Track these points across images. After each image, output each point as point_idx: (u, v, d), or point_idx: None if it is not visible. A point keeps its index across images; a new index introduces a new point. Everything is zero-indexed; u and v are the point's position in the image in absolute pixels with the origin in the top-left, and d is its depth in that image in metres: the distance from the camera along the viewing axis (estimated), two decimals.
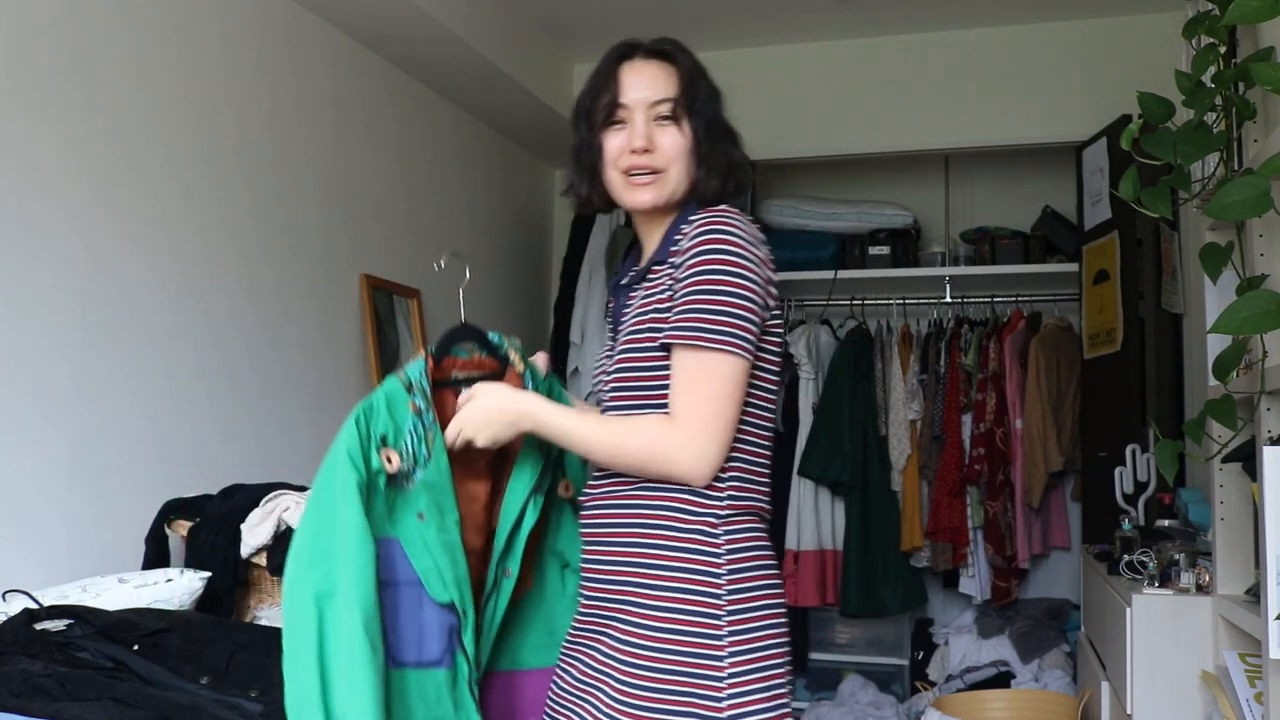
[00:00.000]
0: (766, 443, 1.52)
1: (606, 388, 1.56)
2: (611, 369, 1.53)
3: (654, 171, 1.52)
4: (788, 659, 1.50)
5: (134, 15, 2.71)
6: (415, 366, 1.63)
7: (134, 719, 1.68)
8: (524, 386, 1.67)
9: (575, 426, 1.47)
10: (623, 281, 1.65)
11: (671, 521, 1.46)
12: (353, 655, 1.42)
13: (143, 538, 2.48)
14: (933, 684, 4.02)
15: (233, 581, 2.37)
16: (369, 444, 1.53)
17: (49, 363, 2.46)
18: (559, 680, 1.60)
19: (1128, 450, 3.14)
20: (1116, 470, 3.12)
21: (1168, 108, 1.93)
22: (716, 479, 1.44)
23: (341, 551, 1.46)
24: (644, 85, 1.57)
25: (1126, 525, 2.80)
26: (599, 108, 1.61)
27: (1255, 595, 1.93)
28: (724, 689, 1.40)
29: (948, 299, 4.51)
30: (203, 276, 2.95)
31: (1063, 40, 4.10)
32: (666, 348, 1.42)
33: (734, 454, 1.46)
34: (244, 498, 2.50)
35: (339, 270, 3.57)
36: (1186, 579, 2.23)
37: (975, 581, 4.20)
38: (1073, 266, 4.09)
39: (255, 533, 2.39)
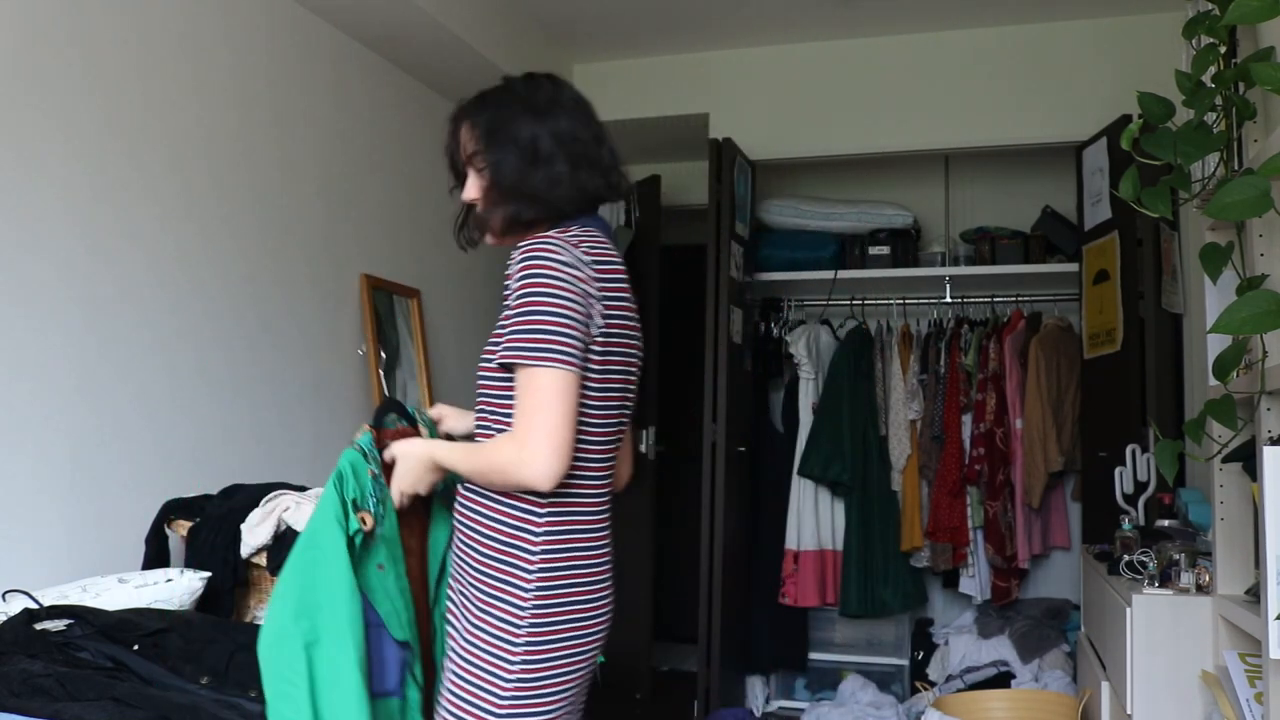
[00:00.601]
0: (594, 447, 1.65)
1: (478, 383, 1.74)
2: (476, 392, 1.73)
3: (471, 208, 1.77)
4: (583, 667, 1.66)
5: (136, 15, 2.71)
6: (365, 438, 1.88)
7: (134, 719, 1.68)
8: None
9: (458, 457, 1.68)
10: None
11: (492, 529, 1.64)
12: (350, 692, 1.63)
13: (143, 538, 2.48)
14: (933, 684, 4.02)
15: (233, 581, 2.37)
16: (347, 507, 1.75)
17: (49, 362, 2.46)
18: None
19: (1128, 450, 3.14)
20: (1116, 470, 3.12)
21: (1168, 108, 1.93)
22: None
23: (331, 603, 1.66)
24: (458, 146, 1.80)
25: (1126, 525, 2.80)
26: (452, 166, 1.85)
27: (1255, 595, 1.93)
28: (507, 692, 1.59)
29: (948, 299, 4.51)
30: (203, 276, 2.95)
31: (1063, 40, 4.11)
32: (506, 368, 1.60)
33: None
34: (244, 498, 2.50)
35: (339, 270, 3.57)
36: (1186, 579, 2.23)
37: (975, 581, 4.20)
38: (1073, 266, 4.09)
39: (255, 533, 2.39)
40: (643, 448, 4.51)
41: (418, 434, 1.94)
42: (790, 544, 4.31)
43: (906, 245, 4.44)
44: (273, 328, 3.23)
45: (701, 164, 4.40)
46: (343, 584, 1.67)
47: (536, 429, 1.52)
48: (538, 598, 1.59)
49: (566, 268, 1.56)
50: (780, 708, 4.39)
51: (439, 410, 1.95)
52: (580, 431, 1.60)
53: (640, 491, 4.57)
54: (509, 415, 1.60)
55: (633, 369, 1.72)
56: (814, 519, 4.32)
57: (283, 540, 2.40)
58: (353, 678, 1.64)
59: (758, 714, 4.30)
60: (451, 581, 1.75)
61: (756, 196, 4.47)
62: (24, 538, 2.38)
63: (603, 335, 1.61)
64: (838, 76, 4.36)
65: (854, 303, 4.58)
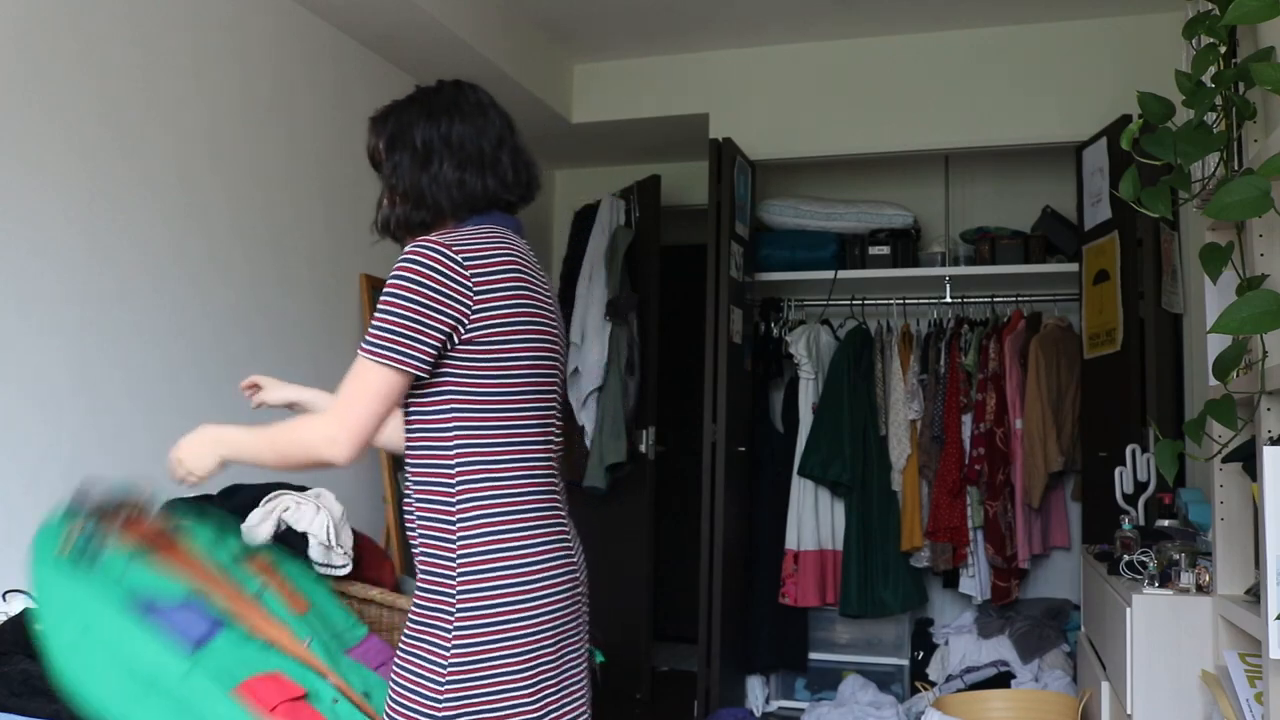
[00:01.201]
0: (508, 439, 1.64)
1: None
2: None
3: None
4: (525, 668, 1.57)
5: (138, 16, 2.71)
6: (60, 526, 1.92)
7: None
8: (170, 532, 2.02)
9: (250, 438, 1.68)
10: None
11: (427, 528, 1.63)
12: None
13: None
14: (933, 684, 4.02)
15: None
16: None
17: (49, 363, 2.46)
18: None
19: (1128, 450, 3.14)
20: (1116, 470, 3.12)
21: (1168, 108, 1.93)
22: (446, 477, 1.60)
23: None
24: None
25: (1126, 525, 2.80)
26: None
27: (1255, 595, 1.93)
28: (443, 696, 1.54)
29: (948, 299, 4.51)
30: (203, 276, 2.95)
31: (1063, 40, 4.10)
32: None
33: (464, 454, 1.60)
34: (244, 498, 2.50)
35: (339, 270, 3.57)
36: (1186, 579, 2.23)
37: (975, 581, 4.20)
38: (1073, 266, 4.09)
39: (255, 533, 2.39)
40: (642, 447, 4.51)
41: (144, 516, 1.99)
42: (790, 544, 4.31)
43: (906, 245, 4.44)
44: (273, 327, 3.23)
45: (701, 164, 4.40)
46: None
47: (345, 409, 1.60)
48: (461, 600, 1.56)
49: (428, 270, 1.58)
50: (780, 708, 4.39)
51: (258, 379, 1.99)
52: (496, 419, 1.62)
53: (640, 491, 4.58)
54: (437, 430, 1.63)
55: (546, 354, 1.70)
56: (814, 519, 4.32)
57: (283, 540, 2.40)
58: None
59: (758, 714, 4.30)
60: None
61: (756, 196, 4.47)
62: (24, 538, 2.38)
63: (494, 326, 1.61)
64: (838, 76, 4.36)
65: (854, 303, 4.58)
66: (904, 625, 4.39)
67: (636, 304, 4.51)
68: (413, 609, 1.61)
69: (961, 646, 4.07)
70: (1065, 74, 4.07)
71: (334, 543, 2.42)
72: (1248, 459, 1.94)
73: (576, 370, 4.47)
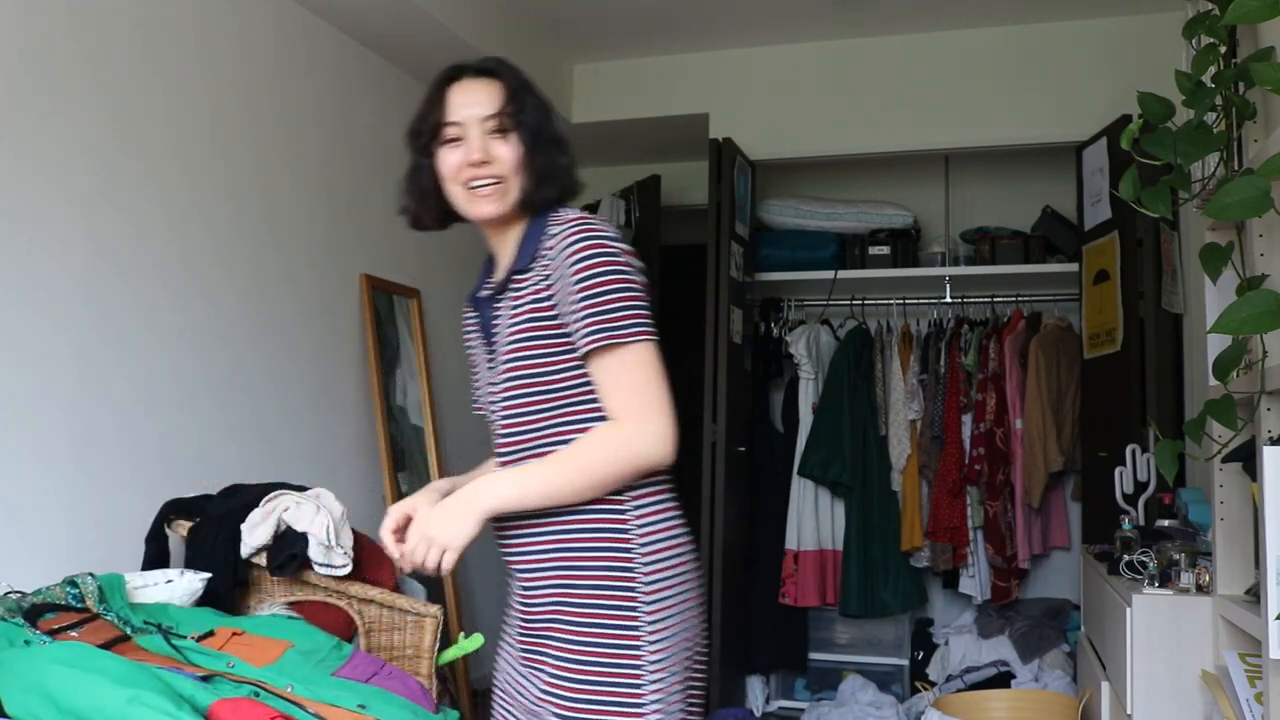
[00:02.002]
0: None
1: (498, 398, 1.58)
2: (500, 379, 1.56)
3: (496, 181, 1.58)
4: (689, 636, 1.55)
5: (139, 16, 2.71)
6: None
7: None
8: (113, 625, 1.94)
9: (531, 479, 1.50)
10: (482, 295, 1.70)
11: (583, 524, 1.51)
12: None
13: (143, 538, 2.48)
14: (933, 684, 4.02)
15: (232, 582, 2.37)
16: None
17: (52, 364, 2.46)
18: (509, 706, 1.62)
19: (1128, 450, 3.14)
20: (1116, 470, 3.12)
21: (1168, 108, 1.93)
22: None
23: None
24: (474, 102, 1.62)
25: (1126, 525, 2.80)
26: (426, 128, 1.68)
27: (1255, 595, 1.93)
28: (646, 689, 1.47)
29: (948, 299, 4.51)
30: (204, 276, 2.95)
31: (1063, 40, 4.10)
32: (584, 357, 1.49)
33: None
34: (244, 498, 2.50)
35: (339, 270, 3.57)
36: (1186, 579, 2.23)
37: (975, 581, 4.20)
38: (1073, 266, 4.09)
39: (255, 533, 2.39)
40: None
41: (94, 616, 1.93)
42: (790, 544, 4.31)
43: (906, 245, 4.44)
44: (273, 327, 3.23)
45: (701, 164, 4.40)
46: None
47: (647, 401, 1.46)
48: (651, 590, 1.49)
49: (621, 244, 1.51)
50: (780, 708, 4.39)
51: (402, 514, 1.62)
52: None
53: None
54: (565, 400, 1.51)
55: None
56: (814, 519, 4.32)
57: (283, 540, 2.40)
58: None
59: (758, 714, 4.30)
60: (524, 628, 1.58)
61: (756, 196, 4.47)
62: (24, 538, 2.38)
63: None
64: (838, 76, 4.36)
65: (854, 303, 4.58)
66: (904, 625, 4.39)
67: None
68: (568, 609, 1.49)
69: (961, 646, 4.07)
70: (1065, 74, 4.07)
71: (334, 543, 2.42)
72: (1248, 459, 1.94)
73: None
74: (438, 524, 1.48)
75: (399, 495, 3.69)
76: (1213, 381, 1.84)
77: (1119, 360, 3.62)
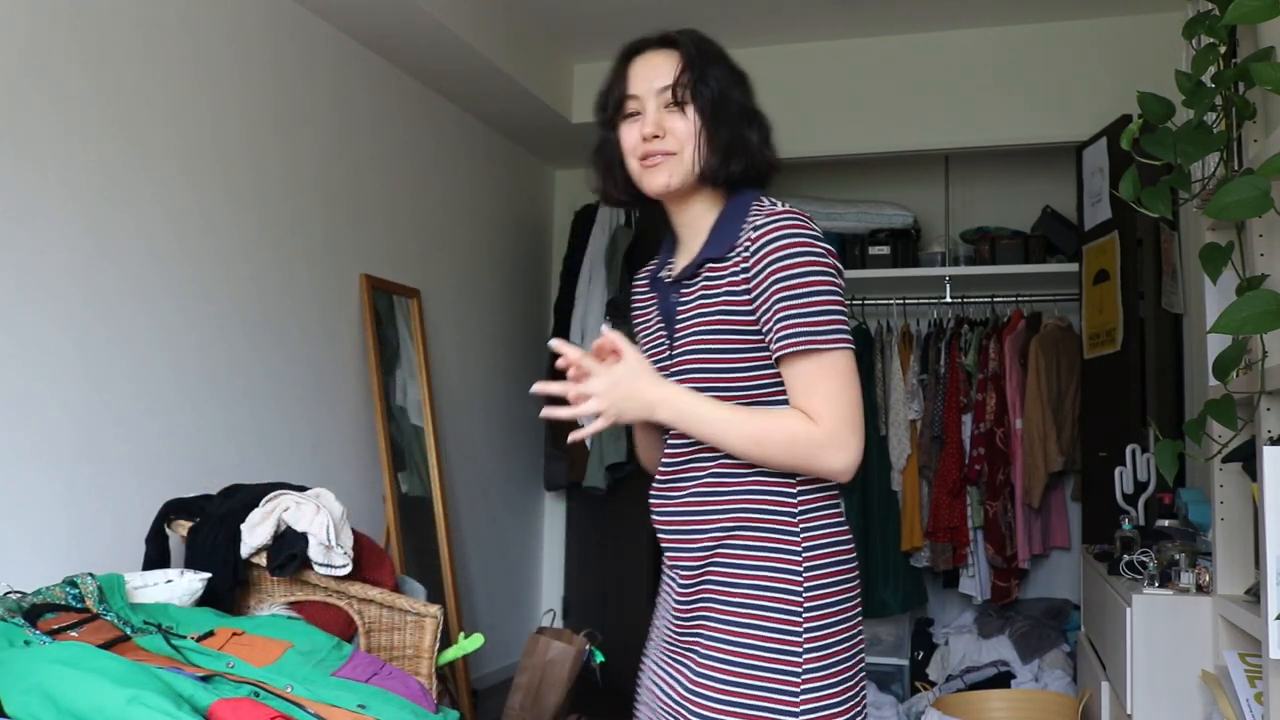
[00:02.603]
0: None
1: None
2: (677, 369, 1.51)
3: (667, 154, 1.54)
4: (859, 649, 1.52)
5: (141, 15, 2.71)
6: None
7: None
8: (113, 625, 1.93)
9: (715, 414, 1.45)
10: (664, 277, 1.64)
11: (750, 520, 1.48)
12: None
13: (143, 538, 2.48)
14: (933, 684, 4.02)
15: (233, 582, 2.37)
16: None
17: (53, 364, 2.46)
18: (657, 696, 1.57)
19: (1128, 450, 3.14)
20: (1116, 470, 3.12)
21: (1168, 107, 1.93)
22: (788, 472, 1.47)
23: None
24: (650, 75, 1.60)
25: (1126, 525, 2.80)
26: (610, 102, 1.64)
27: (1255, 595, 1.93)
28: (799, 695, 1.42)
29: (948, 299, 4.51)
30: (204, 276, 2.95)
31: (1063, 40, 4.10)
32: (780, 360, 1.45)
33: None
34: (244, 498, 2.50)
35: (339, 270, 3.57)
36: (1186, 579, 2.23)
37: (975, 581, 4.20)
38: (1073, 266, 4.09)
39: (255, 533, 2.39)
40: None
41: (94, 619, 1.94)
42: None
43: (906, 245, 4.44)
44: (273, 327, 3.23)
45: None
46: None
47: (842, 414, 1.42)
48: (811, 597, 1.45)
49: (827, 245, 1.46)
50: None
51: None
52: None
53: (640, 491, 4.56)
54: (748, 399, 1.47)
55: None
56: None
57: (283, 540, 2.40)
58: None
59: None
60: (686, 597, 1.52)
61: None
62: (24, 538, 2.38)
63: None
64: (838, 76, 4.36)
65: (854, 303, 4.58)
66: (904, 625, 4.39)
67: None
68: (731, 609, 1.44)
69: (961, 646, 4.07)
70: (1065, 74, 4.07)
71: (334, 543, 2.42)
72: (1248, 459, 1.94)
73: None
74: (620, 394, 1.44)
75: (399, 495, 3.69)
76: (1213, 381, 1.84)
77: (1119, 360, 3.62)
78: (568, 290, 4.65)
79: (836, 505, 1.53)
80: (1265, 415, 1.77)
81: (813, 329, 1.41)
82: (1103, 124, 3.79)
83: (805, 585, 1.44)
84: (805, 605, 1.44)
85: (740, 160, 1.55)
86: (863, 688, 1.52)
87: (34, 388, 2.41)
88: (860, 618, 1.55)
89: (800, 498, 1.48)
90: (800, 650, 1.42)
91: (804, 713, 1.41)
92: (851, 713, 1.47)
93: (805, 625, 1.43)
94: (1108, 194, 3.67)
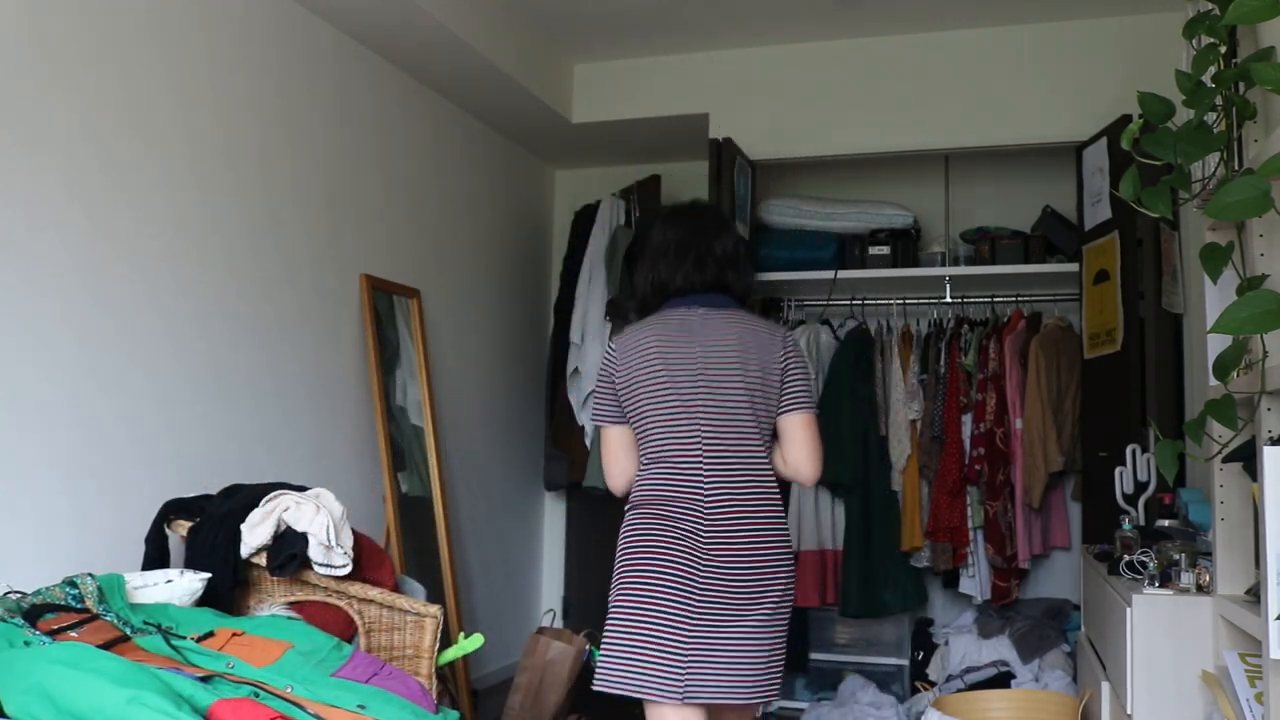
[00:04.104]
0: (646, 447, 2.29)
1: None
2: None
3: None
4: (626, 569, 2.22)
5: (140, 15, 2.71)
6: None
7: None
8: (112, 626, 1.95)
9: None
10: None
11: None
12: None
13: (142, 537, 2.48)
14: (933, 684, 4.02)
15: (232, 582, 2.37)
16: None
17: (52, 364, 2.46)
18: None
19: (1128, 450, 3.14)
20: (1117, 470, 3.12)
21: (1168, 107, 1.93)
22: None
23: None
24: None
25: (1127, 525, 2.79)
26: None
27: (1255, 595, 1.93)
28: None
29: (948, 299, 4.51)
30: (203, 277, 2.95)
31: (1063, 40, 4.10)
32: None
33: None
34: (244, 498, 2.50)
35: (339, 270, 3.57)
36: (1187, 579, 2.23)
37: (975, 581, 4.20)
38: (1073, 266, 4.09)
39: (255, 533, 2.39)
40: None
41: (94, 617, 1.95)
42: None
43: (906, 245, 4.43)
44: (273, 327, 3.23)
45: (701, 164, 4.40)
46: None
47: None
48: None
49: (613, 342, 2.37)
50: (780, 708, 4.39)
51: None
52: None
53: None
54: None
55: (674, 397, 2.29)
56: (814, 519, 4.32)
57: (283, 540, 2.40)
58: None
59: (758, 714, 4.30)
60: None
61: (756, 196, 4.47)
62: (24, 538, 2.38)
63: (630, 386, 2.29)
64: (838, 76, 4.36)
65: (854, 303, 4.58)
66: (904, 625, 4.39)
67: None
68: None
69: (961, 646, 4.07)
70: (1065, 74, 4.07)
71: (334, 543, 2.42)
72: (1248, 459, 1.94)
73: (576, 370, 4.47)
74: None
75: (399, 495, 3.69)
76: (1213, 381, 1.84)
77: (1119, 360, 3.62)
78: (568, 290, 4.65)
79: (637, 511, 2.25)
80: (1265, 415, 1.77)
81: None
82: (1103, 124, 3.79)
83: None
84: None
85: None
86: (624, 578, 2.22)
87: (34, 387, 2.41)
88: (634, 561, 2.20)
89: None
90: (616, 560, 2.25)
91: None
92: (616, 584, 2.23)
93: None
94: (1108, 194, 3.67)
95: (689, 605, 2.13)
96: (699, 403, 2.22)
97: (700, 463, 2.21)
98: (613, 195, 4.69)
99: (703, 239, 2.33)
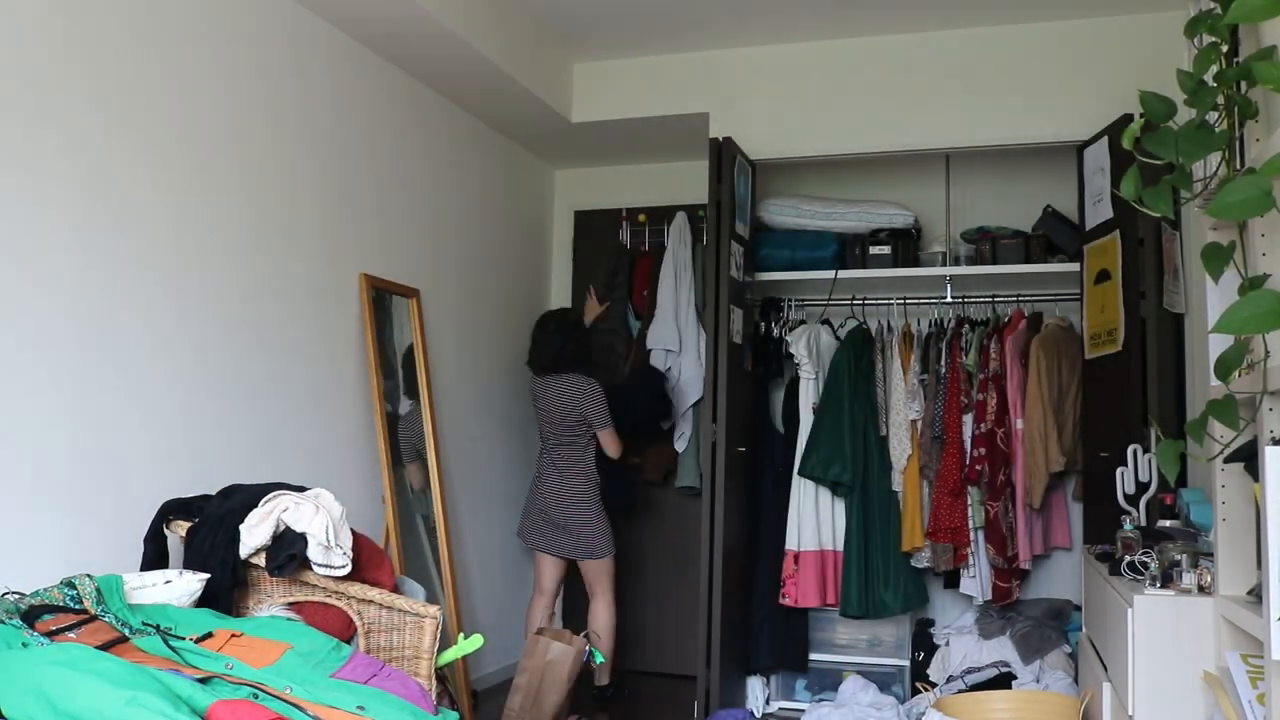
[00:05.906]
0: None
1: None
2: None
3: None
4: None
5: (139, 17, 2.71)
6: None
7: None
8: (111, 627, 1.94)
9: None
10: None
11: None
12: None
13: (141, 538, 2.47)
14: (933, 685, 4.01)
15: (231, 582, 2.37)
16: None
17: (51, 364, 2.45)
18: None
19: (1129, 450, 3.13)
20: (1118, 470, 3.12)
21: (1169, 107, 1.92)
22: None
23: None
24: None
25: (1128, 526, 2.79)
26: None
27: (1257, 596, 1.93)
28: None
29: (949, 299, 4.51)
30: (202, 277, 2.95)
31: (1063, 40, 4.10)
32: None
33: None
34: (243, 498, 2.50)
35: (339, 270, 3.57)
36: (1188, 580, 2.23)
37: (976, 582, 4.19)
38: (1074, 266, 4.08)
39: (254, 533, 2.39)
40: None
41: (91, 618, 1.95)
42: (790, 544, 4.30)
43: (907, 245, 4.43)
44: (273, 327, 3.23)
45: (701, 164, 4.39)
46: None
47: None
48: None
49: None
50: (781, 708, 4.38)
51: None
52: None
53: (640, 491, 4.56)
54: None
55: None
56: (814, 519, 4.32)
57: (282, 540, 2.39)
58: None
59: (758, 715, 4.30)
60: None
61: (756, 196, 4.46)
62: (23, 538, 2.37)
63: None
64: (838, 76, 4.35)
65: (854, 302, 4.58)
66: (905, 626, 4.39)
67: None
68: None
69: (962, 647, 4.06)
70: (1066, 73, 4.07)
71: (333, 543, 2.41)
72: (1249, 459, 1.93)
73: (669, 370, 4.79)
74: None
75: (399, 495, 3.69)
76: (1214, 381, 1.83)
77: (1120, 360, 3.61)
78: (618, 295, 4.88)
79: None
80: (1267, 415, 1.77)
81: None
82: (1104, 123, 3.78)
83: None
84: None
85: None
86: None
87: (32, 387, 2.41)
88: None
89: None
90: None
91: None
92: None
93: None
94: (1109, 193, 3.67)
95: None
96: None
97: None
98: (681, 209, 4.90)
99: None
